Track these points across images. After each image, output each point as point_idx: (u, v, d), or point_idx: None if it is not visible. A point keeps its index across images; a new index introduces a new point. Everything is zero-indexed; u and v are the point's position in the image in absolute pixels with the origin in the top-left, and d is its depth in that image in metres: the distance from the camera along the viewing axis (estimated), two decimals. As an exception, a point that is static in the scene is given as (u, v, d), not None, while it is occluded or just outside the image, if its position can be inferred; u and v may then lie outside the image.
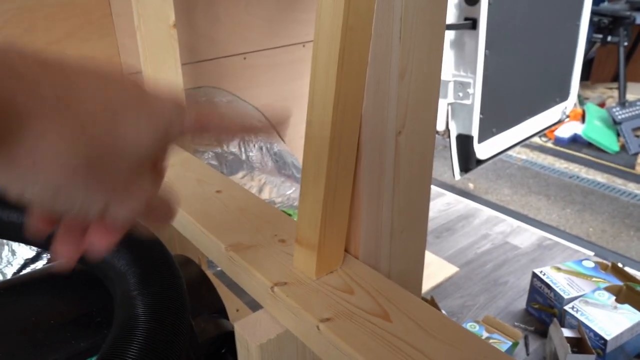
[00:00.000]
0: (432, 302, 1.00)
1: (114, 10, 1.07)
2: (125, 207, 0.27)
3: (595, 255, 1.33)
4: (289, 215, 0.64)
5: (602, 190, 2.80)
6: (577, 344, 0.94)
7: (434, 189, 1.67)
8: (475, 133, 1.81)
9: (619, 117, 3.11)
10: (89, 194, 0.25)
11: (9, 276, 0.93)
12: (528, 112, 2.01)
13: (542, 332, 1.05)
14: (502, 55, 1.75)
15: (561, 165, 3.09)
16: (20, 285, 0.68)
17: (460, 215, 1.50)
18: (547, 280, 1.05)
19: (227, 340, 0.76)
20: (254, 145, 1.28)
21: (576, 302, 0.99)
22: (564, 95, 2.14)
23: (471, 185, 2.90)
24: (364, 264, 0.53)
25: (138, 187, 0.27)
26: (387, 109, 0.49)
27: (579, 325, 0.95)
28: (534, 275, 1.09)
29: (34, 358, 0.60)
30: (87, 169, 0.24)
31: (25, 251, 0.94)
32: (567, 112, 2.19)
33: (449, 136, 1.86)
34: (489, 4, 1.60)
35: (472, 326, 1.00)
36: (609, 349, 0.91)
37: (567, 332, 0.95)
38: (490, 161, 1.96)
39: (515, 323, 1.09)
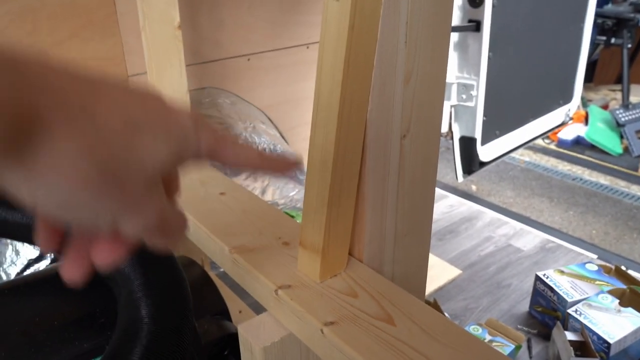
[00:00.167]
0: (435, 305, 0.99)
1: (118, 10, 1.07)
2: (136, 221, 0.27)
3: (599, 258, 1.32)
4: (292, 217, 0.64)
5: (605, 193, 2.79)
6: (581, 348, 0.94)
7: (437, 190, 1.67)
8: (478, 135, 1.81)
9: (623, 119, 3.10)
10: (100, 205, 0.25)
11: (12, 276, 0.93)
12: (531, 115, 2.01)
13: (545, 335, 1.05)
14: (506, 57, 1.75)
15: (564, 167, 3.08)
16: (23, 285, 0.68)
17: (463, 218, 1.49)
18: (550, 283, 1.05)
19: (230, 342, 0.76)
20: (257, 147, 1.28)
21: (579, 305, 0.99)
22: (567, 98, 2.13)
23: (474, 187, 2.89)
24: (368, 267, 0.53)
25: (150, 201, 0.27)
26: (392, 112, 0.49)
27: (582, 329, 0.95)
28: (537, 278, 1.08)
29: (36, 359, 0.60)
30: (101, 180, 0.24)
31: (29, 251, 0.94)
32: (571, 115, 2.19)
33: (452, 138, 1.86)
34: (493, 6, 1.60)
35: (475, 329, 1.00)
36: (612, 352, 0.91)
37: (570, 336, 0.95)
38: (493, 163, 1.96)
39: (518, 326, 1.08)
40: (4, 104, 0.20)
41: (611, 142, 3.13)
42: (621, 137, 3.16)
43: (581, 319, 0.96)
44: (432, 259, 1.30)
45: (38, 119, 0.22)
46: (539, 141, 3.27)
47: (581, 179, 2.94)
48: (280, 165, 0.35)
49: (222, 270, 0.93)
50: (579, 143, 3.25)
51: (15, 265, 0.93)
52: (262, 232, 0.59)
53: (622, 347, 0.92)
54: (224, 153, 0.32)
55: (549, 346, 1.01)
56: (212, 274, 1.10)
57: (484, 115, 1.78)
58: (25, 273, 0.93)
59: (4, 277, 0.92)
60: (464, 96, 1.75)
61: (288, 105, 1.44)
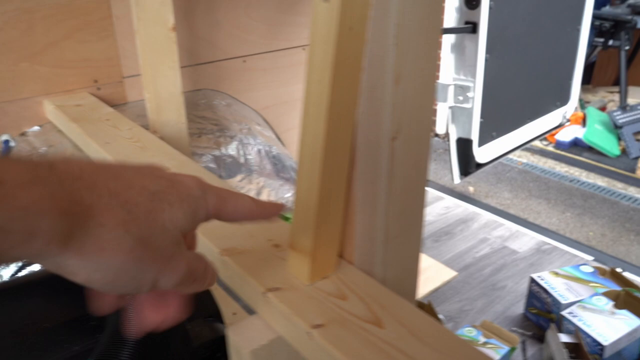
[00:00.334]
0: (429, 307, 0.99)
1: (114, 12, 1.07)
2: (171, 276, 0.31)
3: (595, 260, 1.32)
4: (287, 218, 0.63)
5: (602, 194, 2.80)
6: (575, 350, 0.93)
7: (433, 192, 1.67)
8: (475, 137, 1.81)
9: (620, 121, 3.10)
10: (142, 269, 0.29)
11: (4, 278, 0.93)
12: (528, 116, 2.01)
13: (540, 337, 1.05)
14: (503, 59, 1.75)
15: (562, 168, 3.08)
16: (14, 287, 0.68)
17: (459, 219, 1.49)
18: (545, 285, 1.05)
19: (222, 344, 0.76)
20: (252, 148, 1.28)
21: (574, 307, 0.99)
22: (564, 100, 2.13)
23: (471, 189, 2.89)
24: (358, 269, 0.53)
25: (179, 257, 0.32)
26: (382, 114, 0.49)
27: (577, 331, 0.95)
28: (532, 280, 1.08)
29: (27, 361, 0.60)
30: (140, 248, 0.29)
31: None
32: (568, 117, 2.19)
33: (449, 139, 1.86)
34: (490, 7, 1.60)
35: (469, 331, 1.00)
36: (606, 354, 0.91)
37: (564, 338, 0.95)
38: (491, 165, 1.96)
39: (513, 328, 1.08)
40: (64, 210, 0.25)
41: (609, 144, 3.14)
42: (619, 139, 3.16)
43: (575, 321, 0.95)
44: (428, 261, 1.29)
45: (85, 213, 0.27)
46: (537, 143, 3.27)
47: (578, 181, 2.94)
48: (271, 211, 0.41)
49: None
50: (576, 145, 3.25)
51: (8, 267, 0.93)
52: (252, 234, 0.59)
53: (616, 349, 0.92)
54: (227, 210, 0.37)
55: (543, 348, 1.01)
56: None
57: (481, 116, 1.77)
58: (18, 275, 0.93)
59: (-3, 279, 0.92)
60: (460, 98, 1.75)
61: (284, 107, 1.44)
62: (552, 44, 1.95)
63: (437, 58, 0.52)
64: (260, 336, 0.50)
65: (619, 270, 1.13)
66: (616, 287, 1.05)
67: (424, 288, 1.20)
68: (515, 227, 1.46)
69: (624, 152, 3.12)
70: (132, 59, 1.09)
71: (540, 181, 2.96)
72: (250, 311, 1.12)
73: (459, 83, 1.72)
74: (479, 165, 1.93)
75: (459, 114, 1.79)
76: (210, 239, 0.59)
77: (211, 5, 1.22)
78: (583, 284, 1.06)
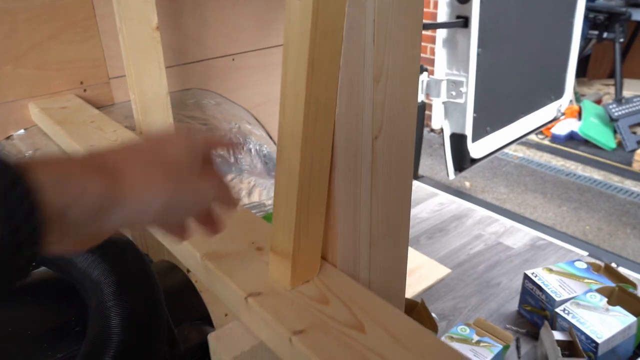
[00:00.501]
0: (422, 306, 0.98)
1: (97, 12, 1.05)
2: (203, 194, 0.40)
3: (590, 255, 1.31)
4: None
5: (598, 188, 2.79)
6: (569, 347, 0.93)
7: (427, 189, 1.66)
8: (468, 132, 1.80)
9: (616, 114, 3.09)
10: (179, 191, 0.37)
11: None
12: (523, 111, 2.00)
13: (534, 335, 1.04)
14: (495, 53, 1.73)
15: (558, 162, 3.08)
16: (-4, 295, 0.67)
17: (453, 216, 1.48)
18: (539, 282, 1.04)
19: (210, 348, 0.75)
20: (243, 148, 1.27)
21: (567, 304, 0.98)
22: (559, 93, 2.12)
23: (467, 184, 2.89)
24: (341, 272, 0.52)
25: (204, 181, 0.40)
26: (362, 114, 0.48)
27: (570, 328, 0.94)
28: (526, 276, 1.07)
29: (8, 370, 0.59)
30: (168, 180, 0.37)
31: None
32: (563, 110, 2.18)
33: (443, 135, 1.85)
34: (481, 1, 1.59)
35: (462, 329, 0.99)
36: (600, 352, 0.90)
37: (558, 335, 0.94)
38: (486, 159, 1.95)
39: (507, 325, 1.07)
40: (97, 168, 0.34)
41: (605, 137, 3.13)
42: (615, 132, 3.15)
43: (569, 318, 0.95)
44: (421, 258, 1.28)
45: (122, 178, 0.35)
46: (533, 137, 3.26)
47: (575, 174, 2.93)
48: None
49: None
50: (572, 138, 3.24)
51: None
52: (235, 237, 0.58)
53: (610, 346, 0.91)
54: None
55: (537, 346, 1.00)
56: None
57: (474, 111, 1.76)
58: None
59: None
60: (453, 93, 1.74)
61: (275, 105, 1.42)
62: (545, 37, 1.93)
63: (419, 55, 0.51)
64: (242, 342, 0.49)
65: (613, 265, 1.12)
66: (610, 284, 1.04)
67: (417, 286, 1.19)
68: (509, 222, 1.45)
69: (620, 145, 3.12)
70: (118, 59, 1.08)
71: (537, 175, 2.96)
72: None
73: (452, 78, 1.71)
74: (474, 161, 1.92)
75: (452, 110, 1.78)
76: (192, 243, 0.57)
77: (198, 3, 1.20)
78: (577, 280, 1.05)
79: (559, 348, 0.89)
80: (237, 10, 1.27)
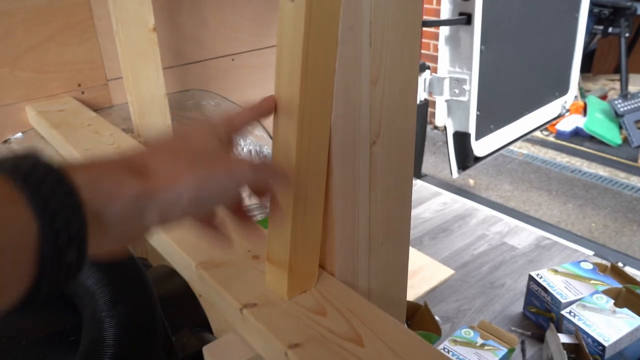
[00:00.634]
0: (425, 309, 0.97)
1: (95, 14, 1.04)
2: (239, 175, 0.39)
3: (595, 254, 1.29)
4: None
5: (604, 184, 2.76)
6: (575, 350, 0.91)
7: (430, 188, 1.64)
8: (472, 130, 1.78)
9: (621, 109, 3.06)
10: (212, 174, 0.37)
11: None
12: (526, 108, 1.97)
13: (540, 337, 1.02)
14: (499, 50, 1.71)
15: (563, 159, 3.05)
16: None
17: (456, 215, 1.47)
18: (544, 284, 1.02)
19: (209, 355, 0.74)
20: (243, 148, 1.25)
21: (574, 306, 0.96)
22: (563, 90, 2.10)
23: (471, 182, 2.86)
24: (340, 281, 0.50)
25: (236, 162, 0.39)
26: (359, 118, 0.46)
27: (577, 331, 0.92)
28: (531, 278, 1.06)
29: (2, 381, 0.58)
30: (198, 166, 0.37)
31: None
32: (567, 107, 2.15)
33: (447, 133, 1.83)
34: (484, -2, 1.57)
35: (466, 332, 0.97)
36: (607, 355, 0.88)
37: (564, 338, 0.92)
38: (490, 157, 1.92)
39: (512, 327, 1.06)
40: (126, 166, 0.35)
41: (610, 133, 3.10)
42: (620, 127, 3.12)
43: (575, 320, 0.93)
44: (425, 259, 1.27)
45: (151, 175, 0.35)
46: (537, 133, 3.23)
47: (580, 171, 2.90)
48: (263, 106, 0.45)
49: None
50: (577, 134, 3.21)
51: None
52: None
53: (617, 349, 0.89)
54: (234, 123, 0.43)
55: (543, 349, 0.99)
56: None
57: (478, 109, 1.74)
58: None
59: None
60: (456, 91, 1.71)
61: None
62: (549, 33, 1.91)
63: (418, 56, 0.49)
64: (238, 355, 0.48)
65: (620, 265, 1.11)
66: (616, 285, 1.02)
67: (420, 288, 1.18)
68: (514, 222, 1.43)
69: (625, 141, 3.08)
70: (115, 61, 1.06)
71: (542, 172, 2.93)
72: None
73: (455, 76, 1.68)
74: (477, 159, 1.90)
75: (455, 108, 1.76)
76: (187, 251, 0.56)
77: (196, 3, 1.19)
78: (583, 281, 1.03)
79: (565, 351, 0.88)
80: (236, 10, 1.26)
